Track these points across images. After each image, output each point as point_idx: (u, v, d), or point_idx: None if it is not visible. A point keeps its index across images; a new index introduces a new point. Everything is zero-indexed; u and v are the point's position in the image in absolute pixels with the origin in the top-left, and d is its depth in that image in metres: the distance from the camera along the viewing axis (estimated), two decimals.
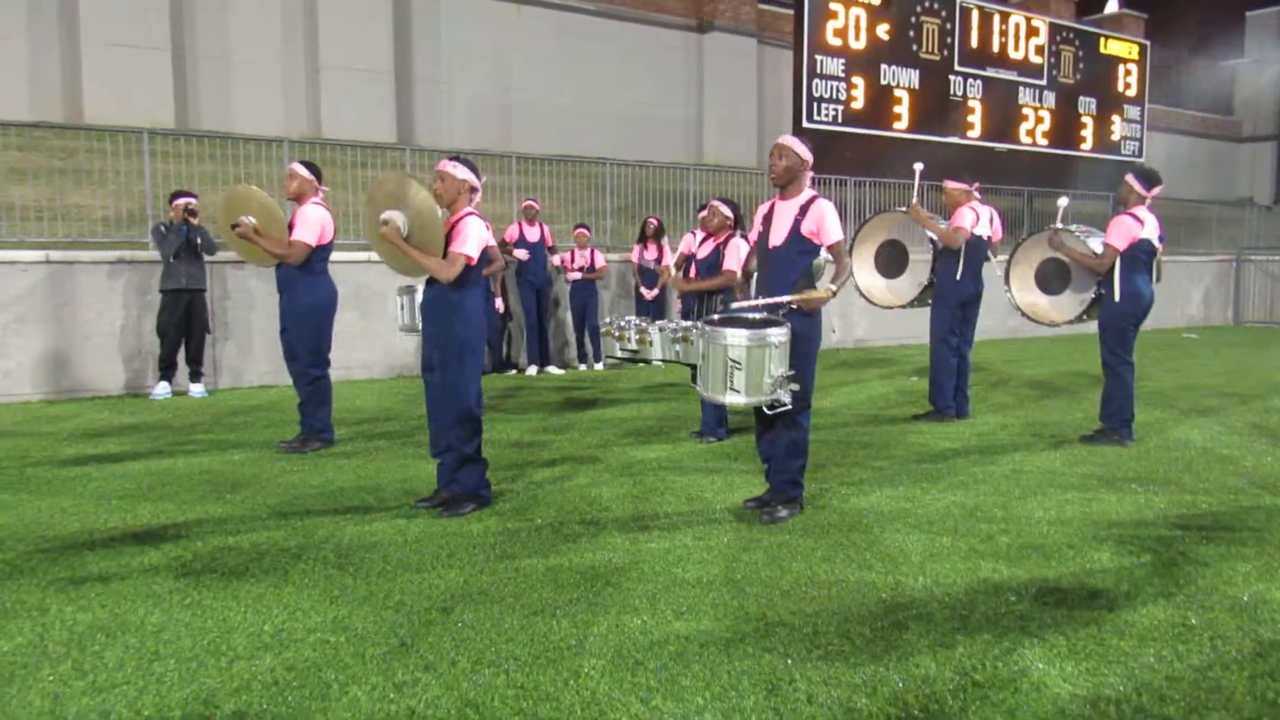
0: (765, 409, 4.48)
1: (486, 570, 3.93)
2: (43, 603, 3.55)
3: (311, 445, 6.31)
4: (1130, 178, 6.46)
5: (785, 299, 4.50)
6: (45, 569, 3.93)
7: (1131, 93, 18.24)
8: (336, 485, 5.38)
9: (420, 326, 5.15)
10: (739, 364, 4.28)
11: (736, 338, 4.29)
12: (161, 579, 3.81)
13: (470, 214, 4.74)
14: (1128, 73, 18.14)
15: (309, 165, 6.31)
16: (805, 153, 4.66)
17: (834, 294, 4.47)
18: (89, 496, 5.11)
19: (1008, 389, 9.29)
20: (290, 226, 6.10)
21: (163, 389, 8.57)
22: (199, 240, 8.43)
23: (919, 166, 7.40)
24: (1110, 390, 6.57)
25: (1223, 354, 12.84)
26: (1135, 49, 18.44)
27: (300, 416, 6.39)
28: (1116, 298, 6.36)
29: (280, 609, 3.49)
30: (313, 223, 6.10)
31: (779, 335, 4.33)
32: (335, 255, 6.53)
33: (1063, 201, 7.26)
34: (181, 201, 8.43)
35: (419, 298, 6.23)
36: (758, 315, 4.54)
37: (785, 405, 4.40)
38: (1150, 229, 6.31)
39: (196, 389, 8.71)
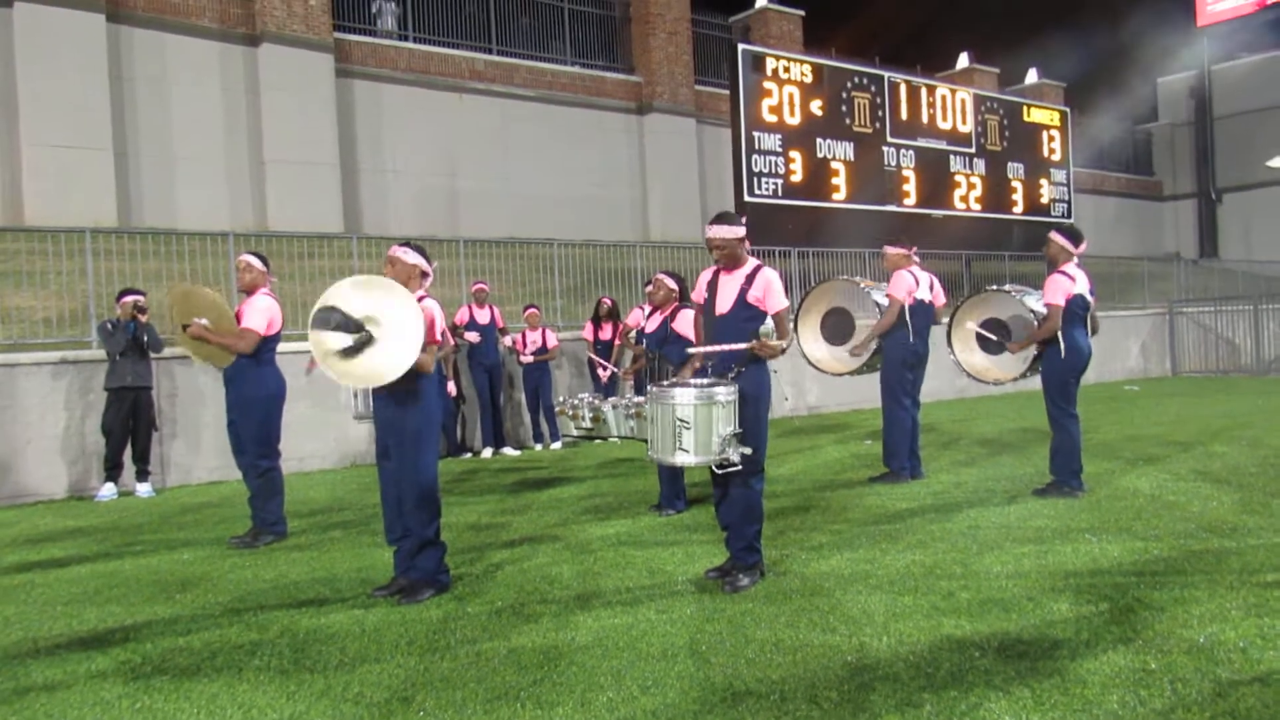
0: (715, 468, 4.53)
1: (447, 656, 3.85)
2: None
3: (264, 539, 6.18)
4: (1057, 236, 6.70)
5: (742, 346, 4.59)
6: None
7: (1056, 157, 18.96)
8: (290, 578, 5.26)
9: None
10: (687, 423, 4.34)
11: (684, 397, 4.38)
12: (109, 684, 3.68)
13: (423, 298, 4.79)
14: (1051, 138, 18.88)
15: (260, 257, 6.38)
16: (737, 231, 4.82)
17: (784, 350, 4.62)
18: (32, 604, 4.93)
19: (960, 447, 9.43)
20: (238, 318, 6.11)
21: (108, 490, 8.36)
22: (146, 338, 8.35)
23: None
24: (1058, 443, 6.70)
25: (1164, 404, 13.18)
26: (1057, 116, 19.23)
27: (251, 510, 6.28)
28: (1063, 353, 6.53)
29: (234, 708, 3.39)
30: (261, 311, 6.12)
31: (726, 394, 4.42)
32: (286, 345, 6.51)
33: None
34: (129, 299, 8.37)
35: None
36: (711, 364, 4.63)
37: (735, 465, 4.45)
38: (1081, 284, 6.55)
39: (143, 488, 8.51)
